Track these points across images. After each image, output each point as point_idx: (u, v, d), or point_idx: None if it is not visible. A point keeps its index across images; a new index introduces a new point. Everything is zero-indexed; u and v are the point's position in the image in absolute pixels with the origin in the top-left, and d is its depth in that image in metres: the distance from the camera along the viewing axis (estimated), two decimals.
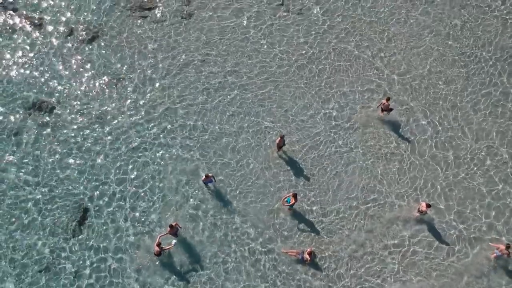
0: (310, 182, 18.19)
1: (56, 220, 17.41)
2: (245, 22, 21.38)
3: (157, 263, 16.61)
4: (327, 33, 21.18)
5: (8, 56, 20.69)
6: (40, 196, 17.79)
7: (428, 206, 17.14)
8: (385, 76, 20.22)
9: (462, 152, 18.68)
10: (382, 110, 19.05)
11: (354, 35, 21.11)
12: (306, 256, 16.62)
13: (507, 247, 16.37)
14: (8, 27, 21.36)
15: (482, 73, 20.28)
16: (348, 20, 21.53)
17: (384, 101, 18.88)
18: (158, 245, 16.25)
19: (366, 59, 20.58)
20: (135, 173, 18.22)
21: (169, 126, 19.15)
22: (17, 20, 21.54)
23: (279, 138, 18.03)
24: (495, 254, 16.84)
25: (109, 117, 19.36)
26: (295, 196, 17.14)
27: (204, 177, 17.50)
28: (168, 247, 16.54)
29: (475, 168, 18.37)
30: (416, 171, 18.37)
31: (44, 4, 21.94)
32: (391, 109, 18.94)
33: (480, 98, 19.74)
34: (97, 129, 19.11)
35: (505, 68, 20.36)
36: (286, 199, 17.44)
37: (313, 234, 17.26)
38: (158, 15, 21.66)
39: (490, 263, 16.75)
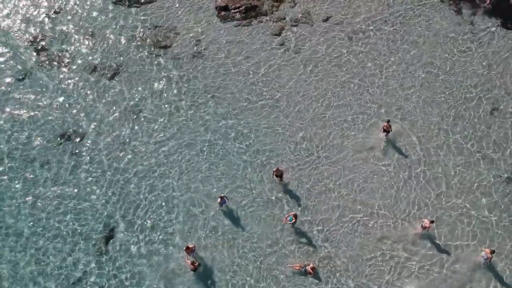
0: (310, 204, 20.65)
1: (85, 237, 19.64)
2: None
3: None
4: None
5: (40, 89, 23.13)
6: (71, 215, 20.06)
7: (432, 222, 19.32)
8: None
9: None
10: (384, 131, 21.80)
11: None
12: (309, 270, 18.95)
13: (492, 252, 18.77)
14: (39, 64, 23.85)
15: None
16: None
17: (385, 123, 21.69)
18: (192, 263, 18.51)
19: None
20: (157, 196, 20.56)
21: (190, 154, 21.54)
22: (47, 57, 24.07)
23: (276, 169, 20.59)
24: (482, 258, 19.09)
25: (132, 143, 21.77)
26: (295, 216, 19.59)
27: (219, 199, 19.81)
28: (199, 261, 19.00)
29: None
30: (412, 190, 20.89)
31: (71, 44, 24.49)
32: (389, 131, 21.74)
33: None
34: (121, 155, 21.46)
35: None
36: (288, 218, 19.76)
37: (312, 249, 19.59)
38: (174, 52, 24.32)
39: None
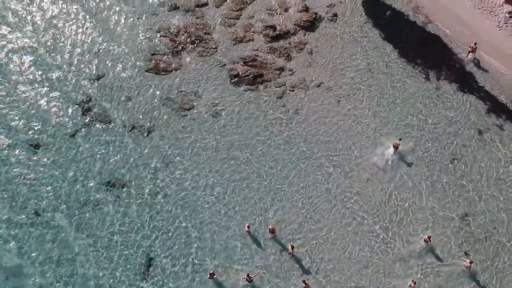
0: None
1: (127, 266, 24.87)
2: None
3: None
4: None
5: (87, 145, 28.65)
6: (114, 246, 25.32)
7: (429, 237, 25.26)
8: None
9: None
10: (394, 147, 27.78)
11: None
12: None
13: (471, 262, 24.49)
14: (86, 122, 29.46)
15: None
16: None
17: (397, 140, 27.73)
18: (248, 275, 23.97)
19: None
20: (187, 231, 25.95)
21: (221, 209, 26.74)
22: (92, 117, 29.70)
23: (272, 227, 25.75)
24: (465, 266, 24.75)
25: (166, 190, 27.20)
26: (292, 247, 25.05)
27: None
28: (256, 273, 24.19)
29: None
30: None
31: (111, 105, 30.18)
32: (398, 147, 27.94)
33: None
34: (158, 201, 26.87)
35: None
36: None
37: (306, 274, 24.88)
38: (195, 112, 30.03)
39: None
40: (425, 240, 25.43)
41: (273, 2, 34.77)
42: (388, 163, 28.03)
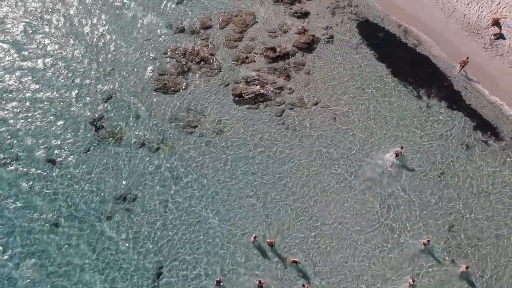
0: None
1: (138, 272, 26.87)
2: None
3: None
4: None
5: (100, 161, 30.70)
6: (130, 262, 27.27)
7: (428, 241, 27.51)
8: None
9: None
10: (396, 155, 30.30)
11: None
12: None
13: (467, 267, 26.73)
14: (99, 139, 31.52)
15: None
16: None
17: (399, 148, 30.19)
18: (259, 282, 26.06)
19: None
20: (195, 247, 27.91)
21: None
22: (105, 134, 31.77)
23: (270, 241, 27.77)
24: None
25: (174, 202, 29.23)
26: (294, 262, 27.16)
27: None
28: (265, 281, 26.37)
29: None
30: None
31: (124, 124, 32.28)
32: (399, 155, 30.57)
33: None
34: (167, 211, 28.89)
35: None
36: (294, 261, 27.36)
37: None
38: (201, 130, 32.10)
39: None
40: (424, 244, 27.56)
41: (273, 25, 37.06)
42: (390, 167, 30.45)
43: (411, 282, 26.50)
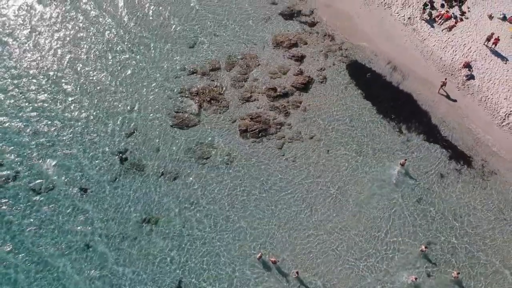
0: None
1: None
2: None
3: None
4: None
5: (125, 188, 35.58)
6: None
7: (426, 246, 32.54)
8: None
9: None
10: (401, 165, 35.60)
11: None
12: None
13: (458, 273, 31.39)
14: (124, 170, 36.47)
15: None
16: None
17: (403, 160, 35.62)
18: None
19: None
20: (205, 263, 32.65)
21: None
22: (129, 166, 36.73)
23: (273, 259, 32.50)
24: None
25: (190, 224, 33.99)
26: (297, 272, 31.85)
27: None
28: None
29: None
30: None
31: (143, 156, 37.29)
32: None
33: None
34: (184, 232, 33.64)
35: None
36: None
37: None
38: (212, 160, 37.07)
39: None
40: (421, 250, 32.34)
41: (274, 67, 42.39)
42: (395, 177, 35.74)
43: (414, 280, 31.25)
